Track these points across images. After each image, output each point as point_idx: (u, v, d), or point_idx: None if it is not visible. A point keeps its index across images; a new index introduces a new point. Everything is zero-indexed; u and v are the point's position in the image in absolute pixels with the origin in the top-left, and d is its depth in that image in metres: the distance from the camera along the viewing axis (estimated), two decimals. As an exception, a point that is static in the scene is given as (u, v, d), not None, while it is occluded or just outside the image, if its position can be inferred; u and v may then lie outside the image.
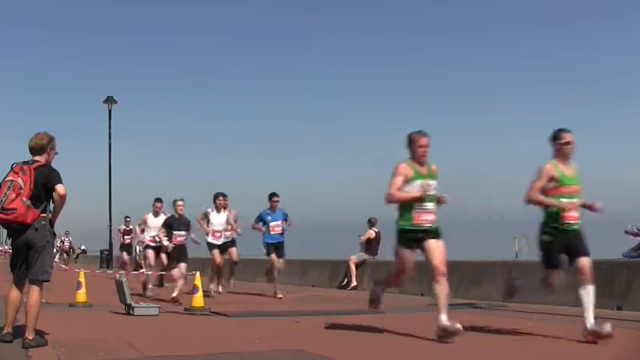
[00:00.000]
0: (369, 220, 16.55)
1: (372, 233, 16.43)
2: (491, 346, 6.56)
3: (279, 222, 13.03)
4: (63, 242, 35.80)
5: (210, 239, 13.16)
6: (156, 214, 13.60)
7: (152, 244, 13.50)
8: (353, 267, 15.85)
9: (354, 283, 15.54)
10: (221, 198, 13.19)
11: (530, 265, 11.55)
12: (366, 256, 16.13)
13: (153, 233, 13.52)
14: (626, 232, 12.14)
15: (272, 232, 12.98)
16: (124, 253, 22.15)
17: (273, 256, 13.06)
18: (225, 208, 13.30)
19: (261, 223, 13.02)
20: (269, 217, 12.99)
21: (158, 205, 13.65)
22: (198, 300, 10.04)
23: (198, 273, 10.55)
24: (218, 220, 13.19)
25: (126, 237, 21.39)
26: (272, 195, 13.07)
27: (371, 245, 16.36)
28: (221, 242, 13.23)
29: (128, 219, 21.08)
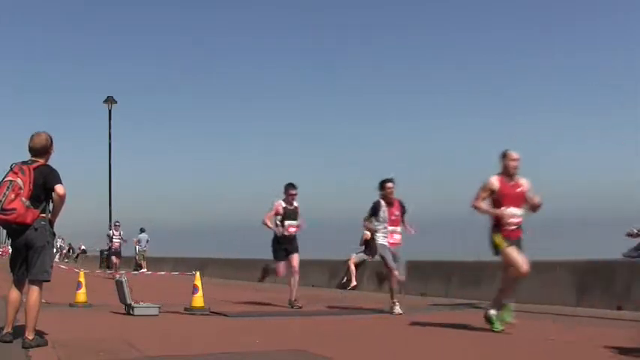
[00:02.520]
0: None
1: (369, 234, 16.39)
2: (492, 345, 6.55)
3: None
4: (112, 236, 24.88)
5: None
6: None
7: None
8: (353, 267, 15.83)
9: (353, 282, 15.52)
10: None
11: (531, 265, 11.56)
12: (366, 256, 16.10)
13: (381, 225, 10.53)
14: (628, 235, 11.51)
15: None
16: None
17: None
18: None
19: None
20: None
21: (390, 185, 10.19)
22: (198, 300, 10.04)
23: (198, 273, 10.53)
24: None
25: (290, 224, 11.20)
26: None
27: (370, 245, 16.33)
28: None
29: (294, 192, 11.30)
